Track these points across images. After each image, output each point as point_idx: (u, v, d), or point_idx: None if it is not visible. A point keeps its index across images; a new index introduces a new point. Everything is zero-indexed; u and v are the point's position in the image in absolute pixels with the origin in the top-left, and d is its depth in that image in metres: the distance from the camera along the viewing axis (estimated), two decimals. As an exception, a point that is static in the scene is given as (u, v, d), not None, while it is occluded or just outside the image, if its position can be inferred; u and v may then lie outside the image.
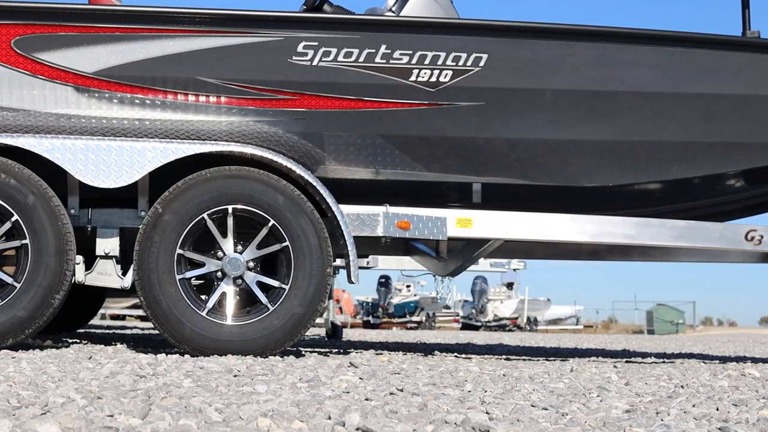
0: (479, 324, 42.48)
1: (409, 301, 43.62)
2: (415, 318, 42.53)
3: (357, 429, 2.75)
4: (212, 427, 2.66)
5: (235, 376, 4.54)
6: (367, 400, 3.67)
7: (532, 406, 3.62)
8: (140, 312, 31.44)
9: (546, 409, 3.52)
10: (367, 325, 41.45)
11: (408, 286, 45.11)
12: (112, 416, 2.76)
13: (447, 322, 44.17)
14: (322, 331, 15.00)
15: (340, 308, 38.72)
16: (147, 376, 4.25)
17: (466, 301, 45.40)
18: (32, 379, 3.94)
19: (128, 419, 2.69)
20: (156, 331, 12.41)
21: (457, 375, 5.26)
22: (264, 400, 3.42)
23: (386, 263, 11.78)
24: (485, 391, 4.26)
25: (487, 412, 3.29)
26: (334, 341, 11.66)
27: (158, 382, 4.00)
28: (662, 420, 3.23)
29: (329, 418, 2.96)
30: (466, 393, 4.14)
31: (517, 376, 5.35)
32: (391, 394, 3.96)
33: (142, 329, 14.61)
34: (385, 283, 41.78)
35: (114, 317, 31.86)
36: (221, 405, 3.16)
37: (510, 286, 45.29)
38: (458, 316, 44.34)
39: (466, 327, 42.11)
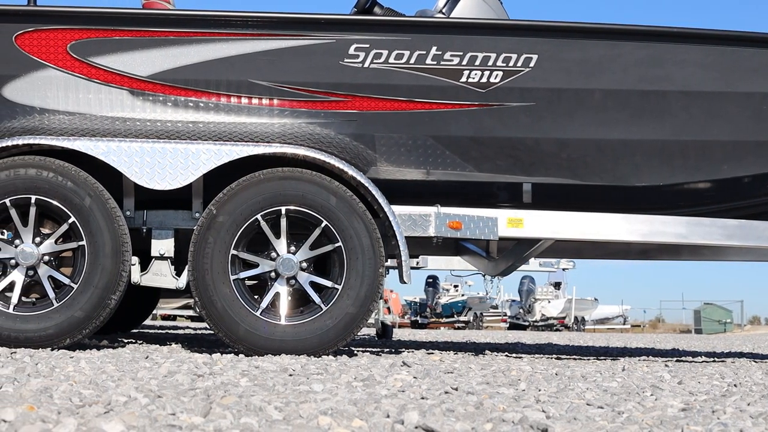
0: (527, 324, 42.40)
1: (456, 301, 43.61)
2: (462, 318, 42.52)
3: (416, 427, 2.79)
4: (274, 425, 2.70)
5: (291, 375, 4.59)
6: (422, 398, 3.70)
7: (587, 404, 3.65)
8: (191, 312, 31.63)
9: (601, 407, 3.54)
10: (415, 325, 41.47)
11: (455, 286, 45.09)
12: (173, 414, 2.82)
13: (494, 321, 44.11)
14: (372, 331, 15.05)
15: (388, 308, 38.73)
16: (204, 376, 4.31)
17: (513, 300, 45.33)
18: (92, 378, 4.01)
19: (190, 417, 2.74)
20: (208, 331, 12.53)
21: (509, 374, 5.29)
22: (321, 398, 3.46)
23: (436, 263, 11.79)
24: (539, 390, 4.28)
25: (543, 411, 3.32)
26: (384, 341, 11.70)
27: (216, 381, 4.06)
28: (719, 418, 3.24)
29: (388, 416, 3.00)
30: (521, 392, 4.16)
31: (569, 375, 5.37)
32: (446, 393, 4.00)
33: (194, 329, 14.72)
34: (432, 283, 41.79)
35: (165, 318, 32.08)
36: (280, 404, 3.21)
37: (557, 285, 45.15)
38: (506, 315, 44.26)
39: (513, 327, 42.04)
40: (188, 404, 3.08)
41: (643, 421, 3.12)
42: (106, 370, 4.46)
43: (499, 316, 44.58)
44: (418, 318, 42.73)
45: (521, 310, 43.07)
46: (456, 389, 4.13)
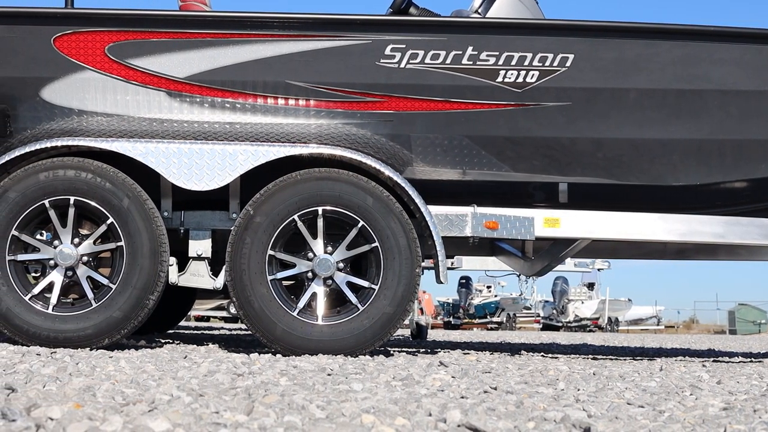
0: (560, 324, 42.31)
1: (489, 302, 43.57)
2: (495, 318, 42.47)
3: (459, 426, 2.80)
4: (317, 423, 2.72)
5: (329, 374, 4.60)
6: (462, 398, 3.71)
7: (627, 404, 3.64)
8: (224, 313, 31.72)
9: (642, 407, 3.54)
10: (448, 325, 41.45)
11: (488, 287, 45.04)
12: (217, 413, 2.83)
13: (527, 322, 44.05)
14: (407, 332, 15.06)
15: (421, 309, 38.73)
16: (244, 375, 4.33)
17: (546, 301, 45.24)
18: (133, 377, 4.03)
19: (234, 416, 2.76)
20: (243, 332, 12.57)
21: (547, 374, 5.29)
22: (362, 398, 3.47)
23: (470, 264, 11.79)
24: (578, 390, 4.28)
25: (584, 410, 3.32)
26: (419, 341, 11.71)
27: (256, 380, 4.07)
28: (760, 417, 3.23)
29: (430, 414, 3.01)
30: (560, 391, 4.16)
31: (607, 374, 5.36)
32: (485, 392, 4.00)
33: (229, 330, 14.76)
34: (465, 283, 41.76)
35: (198, 318, 32.18)
36: (321, 402, 3.22)
37: (591, 286, 45.03)
38: (539, 316, 44.18)
39: (546, 327, 41.96)
40: (231, 403, 3.10)
41: (685, 420, 3.12)
42: (146, 369, 4.49)
43: (532, 316, 44.52)
44: (450, 319, 42.71)
45: (554, 311, 42.99)
46: (495, 389, 4.14)
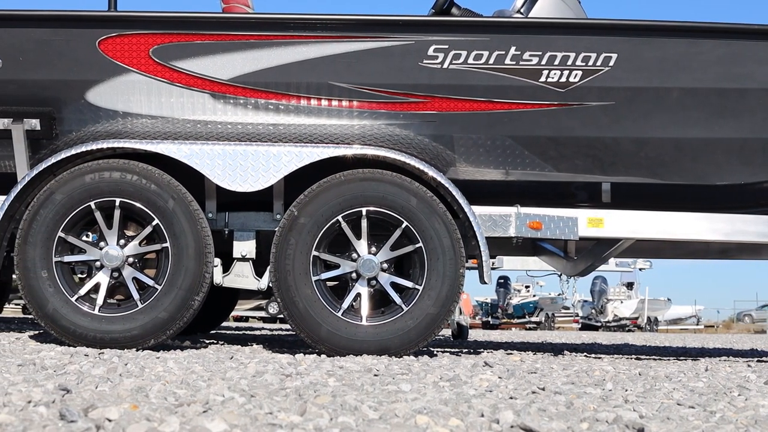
0: (599, 324, 42.17)
1: (528, 302, 43.49)
2: (534, 318, 42.38)
3: (512, 426, 2.80)
4: (372, 424, 2.73)
5: (376, 375, 4.61)
6: (511, 398, 3.71)
7: (677, 404, 3.63)
8: (262, 314, 31.82)
9: (692, 407, 3.53)
10: (486, 325, 41.37)
11: (527, 287, 44.98)
12: (271, 413, 2.85)
13: (566, 322, 43.91)
14: (447, 332, 15.05)
15: (460, 309, 38.68)
16: (292, 376, 4.34)
17: (585, 301, 45.10)
18: (183, 378, 4.06)
19: (288, 416, 2.77)
20: (285, 332, 12.61)
21: (593, 374, 5.28)
22: (411, 398, 3.48)
23: (511, 264, 11.78)
24: (626, 390, 4.27)
25: (634, 410, 3.32)
26: (460, 341, 11.71)
27: (304, 381, 4.09)
28: (813, 418, 3.22)
29: (482, 415, 3.02)
30: (608, 392, 4.16)
31: (653, 375, 5.35)
32: (533, 392, 4.00)
33: (270, 330, 14.82)
34: (503, 283, 41.67)
35: (237, 319, 32.32)
36: (373, 403, 3.23)
37: (630, 286, 44.88)
38: (577, 316, 44.05)
39: (585, 327, 41.83)
40: (283, 403, 3.12)
41: (737, 421, 3.10)
42: (194, 370, 4.51)
43: (571, 316, 44.39)
44: (489, 319, 42.65)
45: (593, 311, 42.85)
46: (543, 389, 4.14)
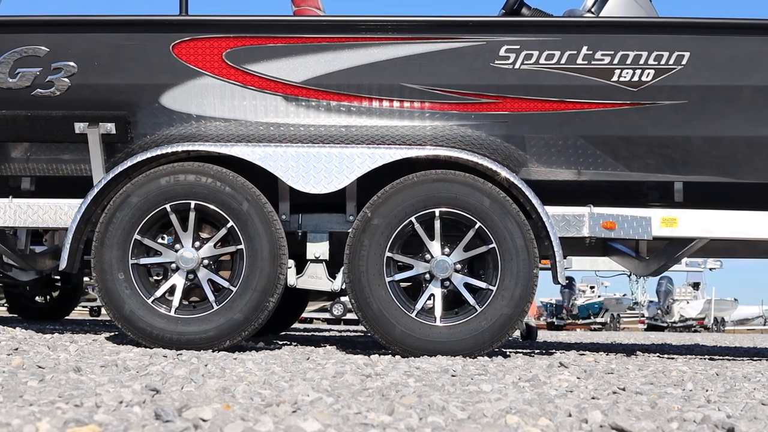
0: (665, 325, 41.89)
1: (593, 302, 43.28)
2: (599, 319, 42.17)
3: (601, 426, 2.80)
4: (462, 424, 2.73)
5: (453, 375, 4.62)
6: (593, 398, 3.71)
7: (762, 404, 3.61)
8: (327, 315, 31.96)
9: (778, 407, 3.51)
10: (551, 326, 41.24)
11: (592, 287, 44.79)
12: (360, 413, 2.87)
13: (631, 323, 43.65)
14: (514, 333, 15.00)
15: (524, 310, 38.45)
16: (372, 376, 4.36)
17: (651, 301, 44.79)
18: (264, 379, 4.09)
19: (378, 416, 2.79)
20: (353, 333, 12.64)
21: (670, 374, 5.25)
22: (494, 398, 3.48)
23: (580, 264, 11.71)
24: (707, 390, 4.25)
25: (719, 410, 3.30)
26: (529, 342, 11.68)
27: (384, 381, 4.10)
28: None
29: (569, 415, 3.02)
30: (689, 392, 4.14)
31: (730, 375, 5.32)
32: (614, 393, 3.99)
33: (339, 332, 14.87)
34: (568, 284, 41.38)
35: (301, 320, 32.47)
36: (458, 403, 3.24)
37: (696, 286, 44.55)
38: (644, 317, 43.76)
39: (651, 328, 41.56)
40: (370, 403, 3.13)
41: (827, 421, 3.08)
42: (274, 371, 4.54)
43: (636, 317, 44.12)
44: (554, 320, 42.50)
45: (659, 311, 42.55)
46: (623, 389, 4.13)
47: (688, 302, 43.13)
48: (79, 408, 2.75)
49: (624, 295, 43.67)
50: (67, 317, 15.21)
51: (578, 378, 4.67)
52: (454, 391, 3.81)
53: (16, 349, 5.46)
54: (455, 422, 2.77)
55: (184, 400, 2.91)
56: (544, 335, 17.73)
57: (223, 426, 2.46)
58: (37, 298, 14.42)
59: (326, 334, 12.65)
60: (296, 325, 24.41)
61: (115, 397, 2.92)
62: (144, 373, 4.25)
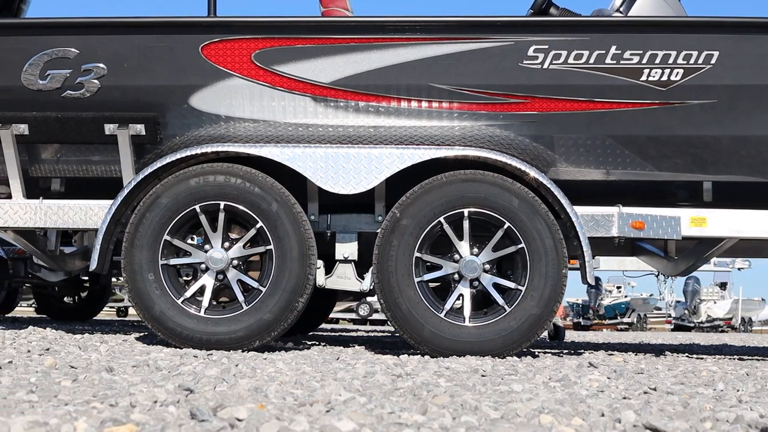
0: (692, 325, 41.71)
1: (619, 302, 43.15)
2: (625, 319, 42.04)
3: (634, 426, 2.80)
4: (495, 423, 2.74)
5: (483, 375, 4.62)
6: (624, 398, 3.71)
7: (795, 404, 3.60)
8: (353, 315, 31.96)
9: (811, 407, 3.49)
10: (577, 326, 41.13)
11: (618, 287, 44.64)
12: (393, 413, 2.87)
13: (658, 323, 43.50)
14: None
15: (550, 310, 38.34)
16: (402, 376, 4.37)
17: (678, 301, 44.62)
18: (296, 378, 4.10)
19: (412, 416, 2.79)
20: (379, 333, 12.66)
21: (700, 374, 5.24)
22: (526, 398, 3.49)
23: (608, 264, 11.69)
24: (737, 390, 4.24)
25: (751, 409, 3.29)
26: (557, 342, 11.67)
27: (415, 381, 4.11)
28: None
29: (602, 415, 3.02)
30: (720, 392, 4.13)
31: (761, 375, 5.31)
32: (645, 393, 3.99)
33: (366, 332, 14.89)
34: (595, 284, 41.36)
35: (327, 320, 32.45)
36: (491, 403, 3.24)
37: (723, 286, 44.31)
38: (670, 317, 43.61)
39: (678, 328, 41.40)
40: (402, 403, 3.14)
41: None
42: (305, 371, 4.56)
43: (663, 317, 43.95)
44: (580, 320, 42.39)
45: (686, 311, 42.39)
46: (654, 389, 4.12)
47: (715, 302, 42.91)
48: (115, 408, 2.77)
49: (651, 295, 43.46)
50: (95, 318, 15.28)
51: (608, 378, 4.67)
52: (486, 391, 3.82)
53: (48, 349, 5.50)
54: (489, 422, 2.78)
55: (218, 400, 2.93)
56: (570, 335, 17.70)
57: (258, 425, 2.47)
58: (65, 298, 14.50)
59: (353, 334, 12.66)
60: (324, 325, 24.46)
61: (150, 397, 2.94)
62: (176, 373, 4.27)
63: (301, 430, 2.43)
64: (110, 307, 33.24)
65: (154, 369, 4.44)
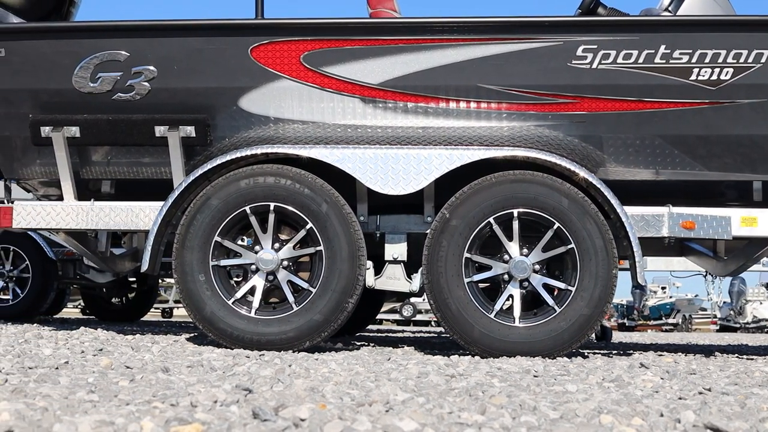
0: (737, 326, 41.45)
1: (664, 303, 42.96)
2: (670, 320, 41.85)
3: (694, 426, 2.79)
4: (555, 423, 2.74)
5: (536, 376, 4.62)
6: (680, 399, 3.70)
7: None
8: (396, 316, 32.02)
9: None
10: (622, 327, 40.98)
11: (663, 288, 44.44)
12: (452, 413, 2.88)
13: (703, 324, 43.25)
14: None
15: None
16: (456, 377, 4.38)
17: (724, 302, 44.35)
18: (350, 379, 4.11)
19: (472, 416, 2.80)
20: (426, 334, 12.66)
21: (753, 375, 5.21)
22: (582, 398, 3.48)
23: (655, 264, 11.64)
24: (793, 391, 4.22)
25: (811, 411, 3.28)
26: (604, 343, 11.62)
27: (469, 382, 4.12)
28: None
29: (662, 415, 3.01)
30: (775, 392, 4.11)
31: (815, 376, 5.27)
32: (700, 393, 3.97)
33: (412, 333, 14.90)
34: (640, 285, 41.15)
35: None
36: (548, 403, 3.25)
37: (769, 286, 44.02)
38: (715, 317, 43.35)
39: (723, 329, 41.16)
40: (460, 403, 3.15)
41: None
42: (358, 371, 4.57)
43: (708, 318, 43.71)
44: (625, 320, 42.23)
45: (732, 312, 42.12)
46: (709, 390, 4.10)
47: (761, 303, 42.65)
48: (176, 407, 2.80)
49: (696, 295, 43.29)
50: (142, 318, 15.38)
51: (662, 378, 4.65)
52: (540, 391, 3.82)
53: (101, 349, 5.54)
54: (549, 422, 2.78)
55: (278, 400, 2.94)
56: (617, 336, 17.65)
57: (322, 425, 2.49)
58: (113, 299, 14.60)
59: (400, 335, 12.68)
60: (369, 326, 24.49)
61: (209, 397, 2.96)
62: (230, 373, 4.30)
63: (364, 430, 2.44)
64: (155, 309, 33.47)
65: (208, 369, 4.47)
